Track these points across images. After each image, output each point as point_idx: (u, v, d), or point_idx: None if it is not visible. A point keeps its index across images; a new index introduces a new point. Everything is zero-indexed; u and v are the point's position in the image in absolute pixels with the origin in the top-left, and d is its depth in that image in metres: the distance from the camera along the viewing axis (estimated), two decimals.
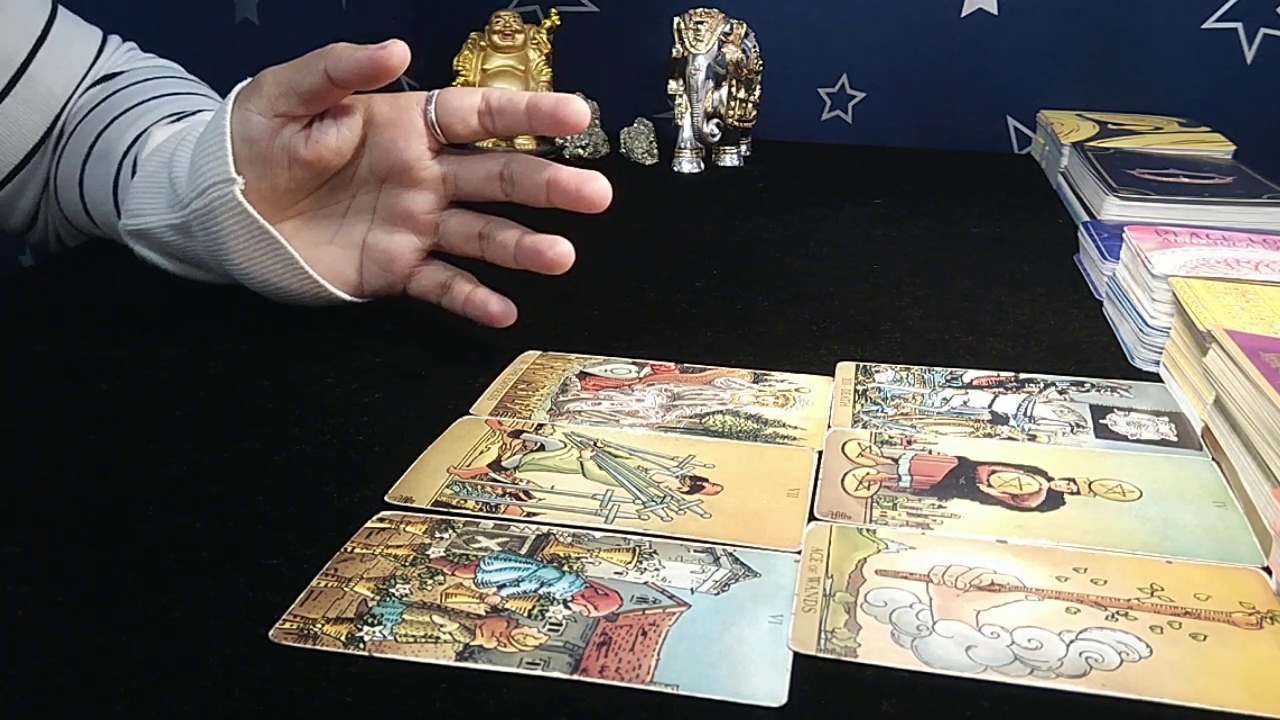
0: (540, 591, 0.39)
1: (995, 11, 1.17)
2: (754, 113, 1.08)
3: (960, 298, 0.72)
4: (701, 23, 1.00)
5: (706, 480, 0.48)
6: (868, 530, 0.44)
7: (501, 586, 0.40)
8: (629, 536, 0.43)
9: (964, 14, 1.18)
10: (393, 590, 0.39)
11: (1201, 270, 0.61)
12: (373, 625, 0.38)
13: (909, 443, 0.51)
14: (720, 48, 1.01)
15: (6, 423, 0.53)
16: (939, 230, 0.89)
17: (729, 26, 1.02)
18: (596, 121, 1.11)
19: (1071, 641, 0.37)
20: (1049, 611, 0.39)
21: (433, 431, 0.52)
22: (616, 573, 0.41)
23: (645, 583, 0.40)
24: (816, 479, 0.48)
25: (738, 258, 0.81)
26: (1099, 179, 0.85)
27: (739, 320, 0.68)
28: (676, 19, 1.02)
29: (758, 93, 1.08)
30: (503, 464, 0.49)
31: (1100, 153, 0.94)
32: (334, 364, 0.59)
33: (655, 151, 1.09)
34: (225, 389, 0.57)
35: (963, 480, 0.48)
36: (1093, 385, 0.58)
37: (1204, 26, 1.14)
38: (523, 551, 0.42)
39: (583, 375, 0.58)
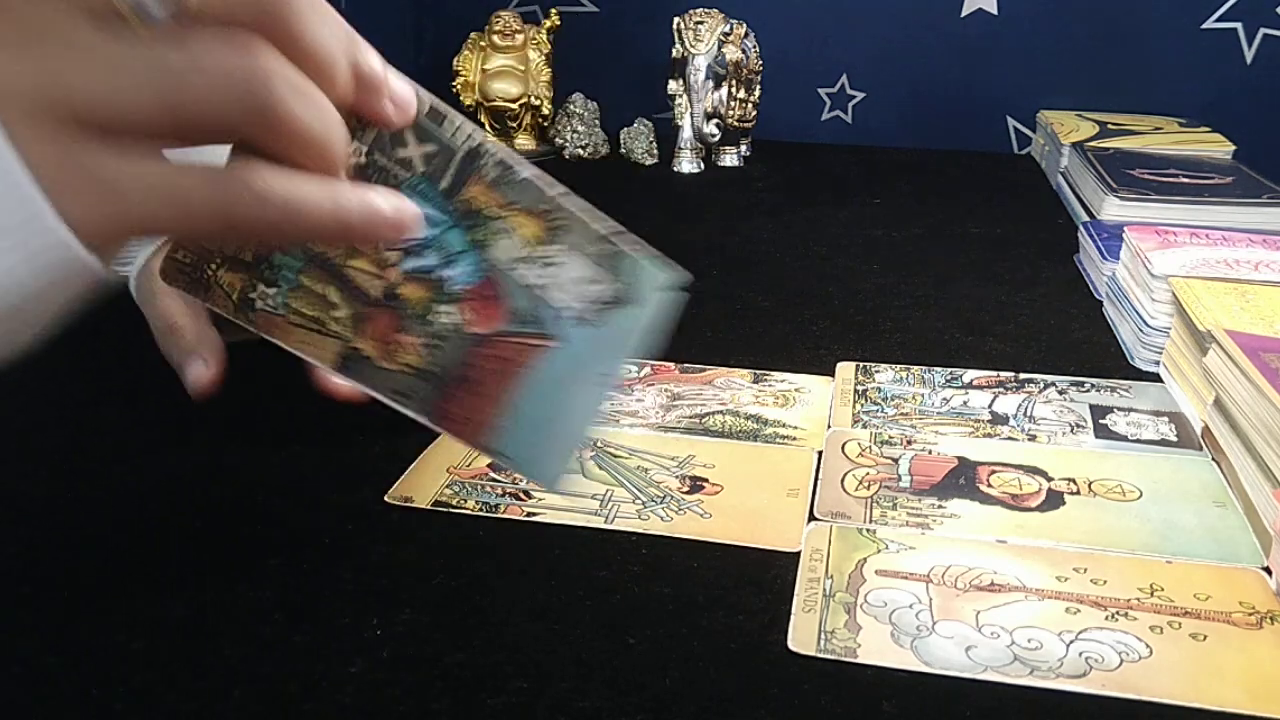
0: (437, 273, 0.36)
1: (995, 11, 1.17)
2: (754, 113, 1.08)
3: (960, 298, 0.72)
4: (701, 23, 1.00)
5: (706, 480, 0.48)
6: (868, 530, 0.44)
7: (408, 253, 0.36)
8: (547, 192, 0.37)
9: (964, 14, 1.18)
10: None
11: (1201, 270, 0.61)
12: (268, 285, 0.35)
13: (909, 443, 0.51)
14: (720, 48, 1.01)
15: (7, 422, 0.52)
16: (939, 230, 0.89)
17: (729, 26, 1.02)
18: (596, 121, 1.11)
19: (1071, 641, 0.37)
20: (1049, 611, 0.39)
21: (433, 431, 0.51)
22: (518, 257, 0.36)
23: (528, 286, 0.36)
24: (816, 479, 0.48)
25: (738, 258, 0.81)
26: (1099, 179, 0.85)
27: (739, 320, 0.68)
28: (676, 19, 1.02)
29: (758, 93, 1.08)
30: None
31: (1100, 153, 0.94)
32: None
33: (655, 151, 1.09)
34: (225, 389, 0.57)
35: (963, 480, 0.48)
36: (1093, 385, 0.58)
37: (1204, 26, 1.14)
38: (442, 185, 0.36)
39: None
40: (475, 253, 0.36)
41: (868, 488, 0.47)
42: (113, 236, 0.29)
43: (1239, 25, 1.13)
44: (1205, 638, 0.38)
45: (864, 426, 0.53)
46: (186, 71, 0.28)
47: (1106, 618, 0.39)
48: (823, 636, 0.37)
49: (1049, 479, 0.48)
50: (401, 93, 0.34)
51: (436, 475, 0.48)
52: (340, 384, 0.47)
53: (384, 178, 0.35)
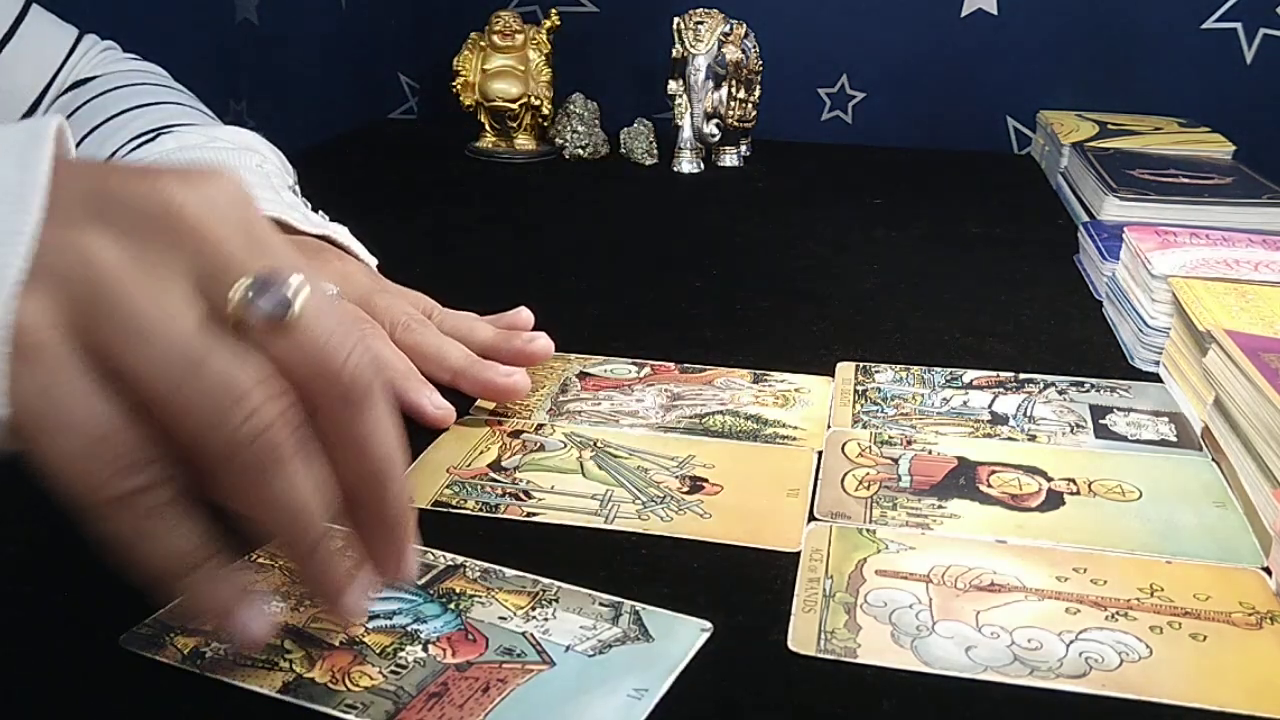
0: (409, 628, 0.37)
1: (995, 11, 1.17)
2: (754, 113, 1.08)
3: (960, 298, 0.72)
4: (701, 23, 1.00)
5: (706, 480, 0.48)
6: (868, 530, 0.44)
7: (374, 618, 0.37)
8: (539, 580, 0.40)
9: (964, 14, 1.18)
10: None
11: (1201, 270, 0.61)
12: (222, 641, 0.36)
13: (909, 443, 0.51)
14: (720, 48, 1.01)
15: None
16: (939, 230, 0.89)
17: (729, 26, 1.02)
18: (596, 121, 1.11)
19: (1071, 642, 0.37)
20: (1049, 611, 0.39)
21: (433, 431, 0.52)
22: (501, 617, 0.38)
23: (524, 633, 0.37)
24: (816, 479, 0.48)
25: (738, 258, 0.81)
26: (1099, 179, 0.85)
27: (739, 320, 0.68)
28: (676, 19, 1.02)
29: (758, 93, 1.08)
30: (503, 464, 0.49)
31: (1100, 153, 0.94)
32: None
33: (655, 151, 1.09)
34: None
35: (962, 480, 0.48)
36: (1092, 385, 0.58)
37: (1204, 26, 1.14)
38: (421, 581, 0.40)
39: (583, 375, 0.58)
40: (452, 614, 0.38)
41: (868, 488, 0.47)
42: (16, 435, 0.28)
43: (1239, 25, 1.13)
44: (1205, 638, 0.38)
45: (864, 427, 0.53)
46: (201, 400, 0.28)
47: (1106, 618, 0.39)
48: (823, 636, 0.37)
49: (1049, 479, 0.48)
50: (407, 564, 0.34)
51: (436, 475, 0.48)
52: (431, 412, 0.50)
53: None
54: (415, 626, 0.37)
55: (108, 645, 0.36)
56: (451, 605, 0.38)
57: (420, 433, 0.51)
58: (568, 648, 0.37)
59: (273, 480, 0.30)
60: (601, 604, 0.39)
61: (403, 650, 0.36)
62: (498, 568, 0.41)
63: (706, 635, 0.37)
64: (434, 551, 0.42)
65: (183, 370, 0.28)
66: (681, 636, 0.37)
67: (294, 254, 0.32)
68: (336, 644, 0.36)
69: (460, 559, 0.41)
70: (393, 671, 0.35)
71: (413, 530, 0.34)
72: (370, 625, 0.37)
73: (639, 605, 0.39)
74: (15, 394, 0.28)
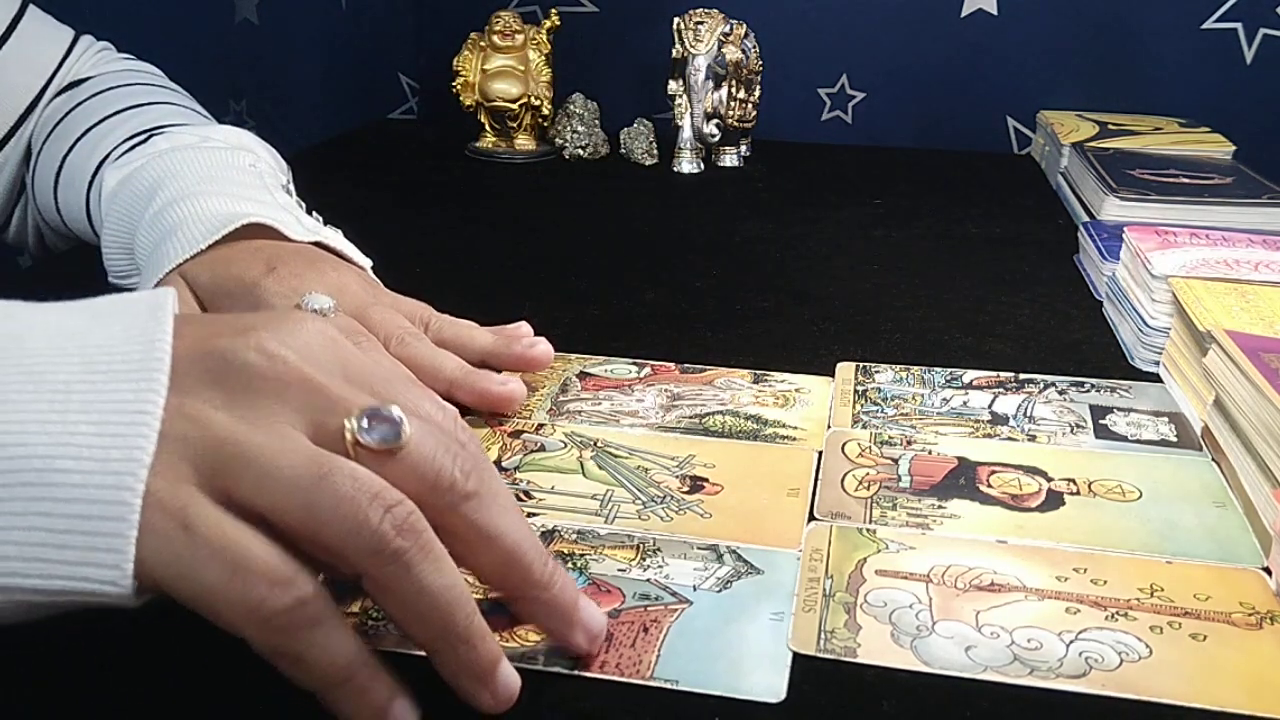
0: None
1: (995, 11, 1.17)
2: (754, 113, 1.08)
3: (960, 298, 0.72)
4: (701, 23, 1.00)
5: (707, 480, 0.48)
6: (868, 530, 0.44)
7: None
8: (633, 534, 0.43)
9: (964, 14, 1.18)
10: None
11: (1201, 270, 0.61)
12: (376, 618, 0.38)
13: (909, 443, 0.51)
14: (720, 48, 1.01)
15: None
16: (939, 230, 0.89)
17: (729, 27, 1.02)
18: (596, 121, 1.11)
19: (1071, 642, 0.37)
20: (1049, 612, 0.39)
21: None
22: (620, 569, 0.41)
23: (649, 579, 0.40)
24: (816, 479, 0.48)
25: (738, 258, 0.81)
26: (1099, 179, 0.85)
27: (739, 320, 0.68)
28: (676, 19, 1.02)
29: (757, 93, 1.08)
30: (503, 464, 0.49)
31: (1100, 153, 0.94)
32: None
33: (655, 151, 1.09)
34: None
35: (963, 480, 0.48)
36: (1093, 385, 0.58)
37: (1204, 26, 1.14)
38: None
39: (583, 375, 0.58)
40: (575, 572, 0.41)
41: (868, 488, 0.47)
42: (153, 590, 0.30)
43: (1239, 25, 1.13)
44: (1205, 638, 0.38)
45: (864, 427, 0.53)
46: (337, 508, 0.30)
47: (1106, 618, 0.39)
48: (823, 636, 0.37)
49: (1049, 479, 0.48)
50: (586, 629, 0.36)
51: None
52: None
53: None
54: None
55: (109, 645, 0.36)
56: (569, 565, 0.41)
57: None
58: (695, 587, 0.40)
59: (421, 565, 0.31)
60: (700, 548, 0.42)
61: None
62: (591, 528, 0.44)
63: (800, 559, 0.42)
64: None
65: (310, 485, 0.30)
66: (785, 565, 0.41)
67: (390, 384, 0.35)
68: (485, 609, 0.37)
69: (551, 524, 0.44)
70: None
71: (574, 594, 0.36)
72: None
73: (733, 544, 0.43)
74: (151, 555, 0.29)
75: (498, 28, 1.07)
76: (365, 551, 0.30)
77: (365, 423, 0.32)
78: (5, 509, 0.29)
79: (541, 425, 0.53)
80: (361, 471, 0.31)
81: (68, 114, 0.69)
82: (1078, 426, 0.53)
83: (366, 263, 0.59)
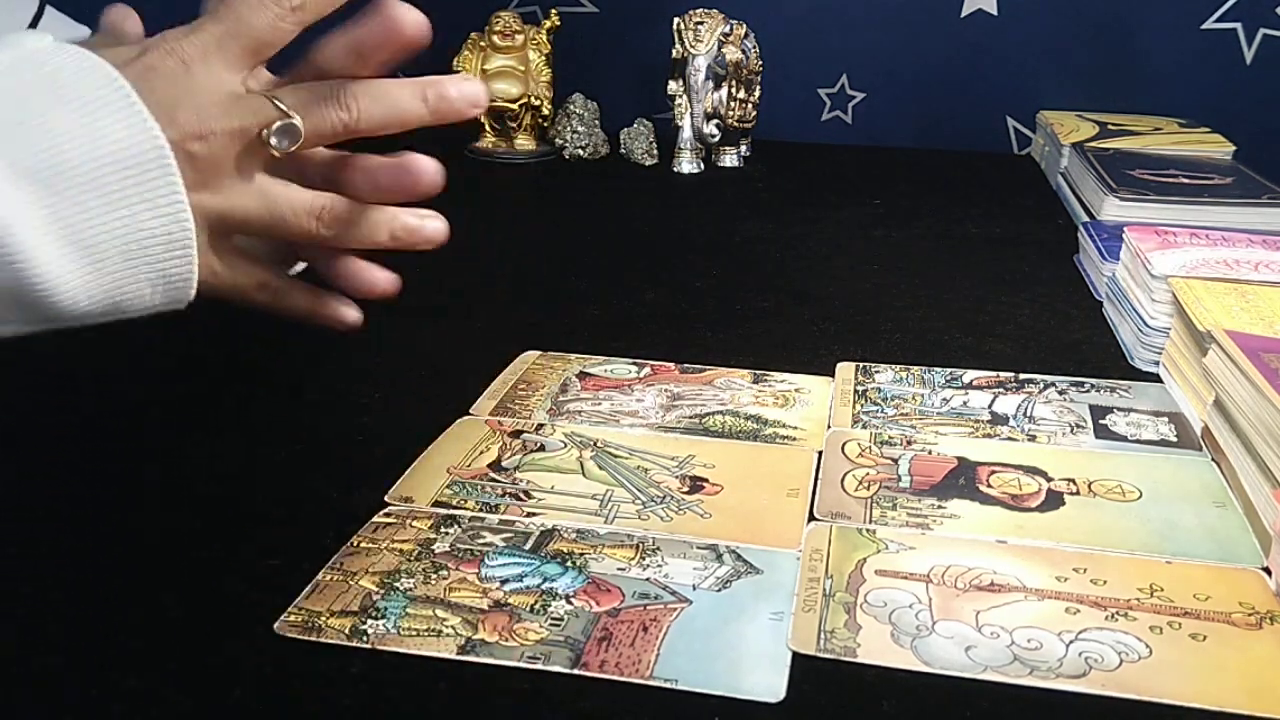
0: (543, 587, 0.40)
1: (995, 11, 1.17)
2: (754, 113, 1.08)
3: (960, 298, 0.72)
4: (701, 23, 1.00)
5: (706, 480, 0.48)
6: (868, 530, 0.44)
7: (505, 581, 0.40)
8: (632, 534, 0.43)
9: (964, 14, 1.18)
10: (397, 584, 0.40)
11: (1201, 270, 0.61)
12: (376, 618, 0.38)
13: (909, 443, 0.51)
14: (720, 48, 1.01)
15: (7, 423, 0.52)
16: (939, 230, 0.89)
17: (729, 27, 1.02)
18: (596, 121, 1.11)
19: (1071, 642, 0.37)
20: (1049, 611, 0.39)
21: (433, 431, 0.52)
22: (619, 569, 0.41)
23: (648, 579, 0.40)
24: (816, 479, 0.48)
25: (738, 258, 0.81)
26: (1099, 179, 0.85)
27: (739, 320, 0.68)
28: (676, 19, 1.02)
29: (758, 93, 1.08)
30: (503, 464, 0.49)
31: (1100, 153, 0.94)
32: (334, 364, 0.59)
33: (655, 151, 1.09)
34: (226, 389, 0.57)
35: (962, 480, 0.48)
36: (1092, 385, 0.58)
37: (1204, 27, 1.14)
38: (527, 547, 0.42)
39: (583, 375, 0.58)
40: (574, 571, 0.41)
41: (868, 488, 0.47)
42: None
43: (1239, 25, 1.13)
44: (1205, 638, 0.38)
45: (864, 427, 0.53)
46: (292, 208, 0.45)
47: (1106, 618, 0.39)
48: (823, 636, 0.37)
49: (1049, 479, 0.48)
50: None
51: (436, 475, 0.48)
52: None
53: (467, 555, 0.41)
54: (548, 585, 0.40)
55: (108, 645, 0.36)
56: (569, 564, 0.41)
57: (421, 433, 0.51)
58: (694, 586, 0.40)
59: (346, 231, 0.46)
60: (699, 548, 0.42)
61: (550, 606, 0.39)
62: (591, 527, 0.44)
63: (800, 559, 0.42)
64: (523, 520, 0.44)
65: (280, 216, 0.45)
66: (784, 566, 0.41)
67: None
68: (486, 607, 0.38)
69: (551, 523, 0.44)
70: (552, 624, 0.38)
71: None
72: (506, 588, 0.40)
73: (732, 544, 0.43)
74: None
75: (498, 28, 1.07)
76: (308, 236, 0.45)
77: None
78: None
79: (541, 425, 0.53)
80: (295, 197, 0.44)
81: None
82: (1078, 426, 0.53)
83: None
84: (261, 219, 0.44)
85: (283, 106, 0.43)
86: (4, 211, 0.38)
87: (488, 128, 1.09)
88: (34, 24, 0.71)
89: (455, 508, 0.45)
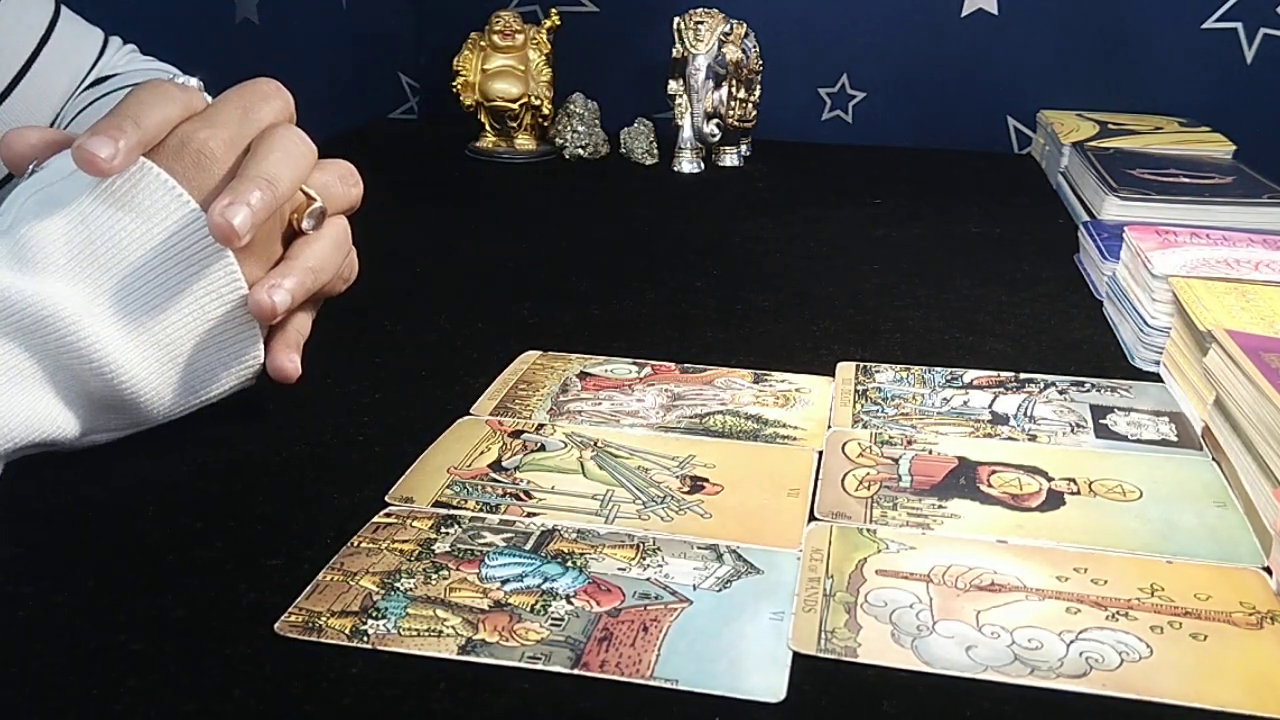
0: (543, 587, 0.40)
1: (995, 11, 1.17)
2: (754, 113, 1.08)
3: (960, 298, 0.72)
4: (701, 23, 1.00)
5: (707, 480, 0.48)
6: (868, 530, 0.44)
7: (505, 582, 0.40)
8: (633, 534, 0.43)
9: (964, 14, 1.18)
10: (397, 585, 0.40)
11: (1201, 270, 0.61)
12: (377, 619, 0.38)
13: (909, 443, 0.51)
14: (720, 48, 1.01)
15: None
16: (939, 230, 0.89)
17: (729, 26, 1.02)
18: (596, 121, 1.11)
19: (1072, 641, 0.37)
20: (1049, 611, 0.39)
21: (433, 431, 0.52)
22: (619, 569, 0.41)
23: (648, 579, 0.40)
24: (816, 479, 0.48)
25: (738, 258, 0.81)
26: (1099, 179, 0.85)
27: (739, 320, 0.68)
28: (676, 19, 1.02)
29: (758, 93, 1.08)
30: (503, 464, 0.49)
31: (1100, 153, 0.94)
32: (334, 364, 0.59)
33: (655, 151, 1.09)
34: None
35: (963, 480, 0.48)
36: (1093, 385, 0.58)
37: (1204, 26, 1.14)
38: (527, 547, 0.42)
39: (583, 375, 0.58)
40: (575, 571, 0.41)
41: (868, 488, 0.47)
42: None
43: (1239, 25, 1.13)
44: (1205, 638, 0.38)
45: (864, 426, 0.53)
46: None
47: (1107, 618, 0.39)
48: (823, 636, 0.37)
49: (1049, 479, 0.48)
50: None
51: (436, 475, 0.48)
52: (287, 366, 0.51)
53: (467, 555, 0.42)
54: (548, 585, 0.40)
55: (108, 645, 0.36)
56: (569, 564, 0.41)
57: (421, 433, 0.51)
58: (695, 586, 0.40)
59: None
60: (699, 548, 0.42)
61: (550, 605, 0.39)
62: (592, 527, 0.44)
63: (800, 559, 0.42)
64: (523, 520, 0.44)
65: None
66: (785, 565, 0.41)
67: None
68: (486, 607, 0.38)
69: (552, 524, 0.44)
70: (553, 624, 0.38)
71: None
72: (506, 588, 0.40)
73: (732, 544, 0.43)
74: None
75: (498, 27, 1.07)
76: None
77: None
78: None
79: (542, 425, 0.53)
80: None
81: (93, 103, 0.71)
82: (1078, 426, 0.53)
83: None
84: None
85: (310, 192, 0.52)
86: (93, 326, 0.43)
87: (488, 127, 1.09)
88: (52, 25, 0.71)
89: (456, 508, 0.45)
